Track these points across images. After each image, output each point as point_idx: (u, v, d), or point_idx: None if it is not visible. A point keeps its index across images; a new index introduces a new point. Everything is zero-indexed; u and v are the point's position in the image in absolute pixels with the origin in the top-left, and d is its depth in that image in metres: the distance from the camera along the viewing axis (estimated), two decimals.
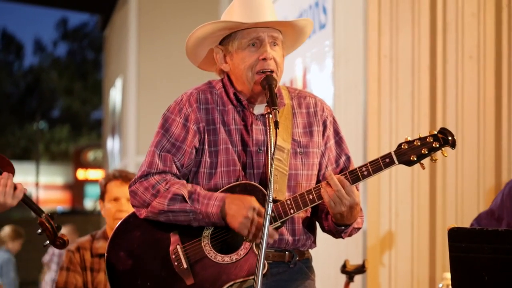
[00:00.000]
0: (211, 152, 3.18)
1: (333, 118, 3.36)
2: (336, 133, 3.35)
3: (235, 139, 3.19)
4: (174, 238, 3.14)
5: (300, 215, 3.19)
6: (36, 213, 3.48)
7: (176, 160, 3.18)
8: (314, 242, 3.30)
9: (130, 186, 3.21)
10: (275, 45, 3.19)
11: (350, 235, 3.25)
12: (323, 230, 3.29)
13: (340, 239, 3.30)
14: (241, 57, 3.18)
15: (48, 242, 3.53)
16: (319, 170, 3.27)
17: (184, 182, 3.17)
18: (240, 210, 3.02)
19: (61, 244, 3.50)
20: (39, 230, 3.47)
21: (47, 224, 3.47)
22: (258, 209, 3.02)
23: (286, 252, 3.19)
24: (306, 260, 3.28)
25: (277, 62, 3.17)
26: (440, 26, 5.44)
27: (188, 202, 3.08)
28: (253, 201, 3.03)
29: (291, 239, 3.18)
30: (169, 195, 3.10)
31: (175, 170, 3.18)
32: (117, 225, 3.26)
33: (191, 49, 3.30)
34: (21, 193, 3.38)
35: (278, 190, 3.11)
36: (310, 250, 3.31)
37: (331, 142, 3.31)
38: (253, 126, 3.20)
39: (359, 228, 3.27)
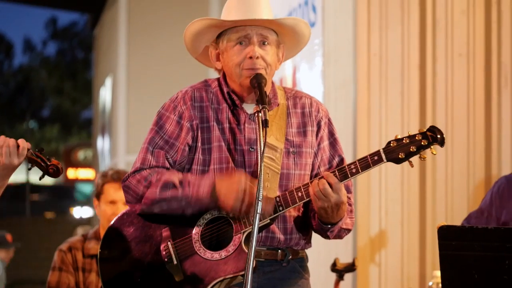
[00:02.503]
0: (204, 149, 3.19)
1: (329, 120, 3.35)
2: (331, 134, 3.34)
3: (227, 137, 3.19)
4: (165, 234, 3.15)
5: (292, 214, 3.19)
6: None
7: (169, 157, 3.19)
8: (309, 242, 3.29)
9: (123, 182, 3.22)
10: (265, 44, 3.18)
11: (339, 236, 3.24)
12: (313, 229, 3.29)
13: None
14: (230, 54, 3.18)
15: (42, 175, 3.39)
16: (312, 170, 3.27)
17: (175, 170, 3.17)
18: (230, 185, 3.02)
19: (55, 171, 3.36)
20: (29, 165, 3.36)
21: (35, 158, 3.35)
22: (247, 180, 3.02)
23: (279, 250, 3.18)
24: (301, 259, 3.27)
25: (267, 61, 3.16)
26: (429, 23, 5.45)
27: (179, 188, 3.08)
28: (241, 174, 3.05)
29: (283, 237, 3.17)
30: (160, 183, 3.11)
31: (167, 166, 3.18)
32: (112, 222, 3.27)
33: (189, 44, 3.31)
34: (25, 150, 3.31)
35: (269, 188, 3.11)
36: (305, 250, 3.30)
37: (325, 143, 3.31)
38: (246, 125, 3.20)
39: (348, 230, 3.25)
